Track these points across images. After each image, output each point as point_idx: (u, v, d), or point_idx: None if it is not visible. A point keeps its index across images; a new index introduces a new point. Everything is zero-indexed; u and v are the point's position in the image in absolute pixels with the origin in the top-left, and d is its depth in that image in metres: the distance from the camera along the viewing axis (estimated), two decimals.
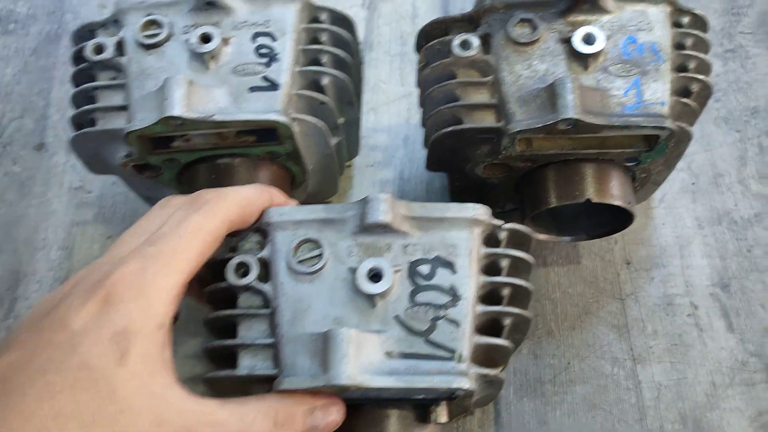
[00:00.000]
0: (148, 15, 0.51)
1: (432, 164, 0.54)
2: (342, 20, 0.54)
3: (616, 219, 0.53)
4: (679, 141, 0.48)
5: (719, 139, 0.64)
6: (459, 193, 0.58)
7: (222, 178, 0.52)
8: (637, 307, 0.57)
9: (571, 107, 0.45)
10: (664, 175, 0.55)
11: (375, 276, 0.39)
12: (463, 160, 0.52)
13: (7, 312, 0.59)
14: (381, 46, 0.72)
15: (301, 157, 0.52)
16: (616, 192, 0.50)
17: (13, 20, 0.76)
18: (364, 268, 0.39)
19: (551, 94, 0.46)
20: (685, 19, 0.51)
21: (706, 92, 0.50)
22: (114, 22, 0.52)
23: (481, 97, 0.49)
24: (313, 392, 0.38)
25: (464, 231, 0.41)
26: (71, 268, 0.61)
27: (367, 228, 0.40)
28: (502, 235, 0.43)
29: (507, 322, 0.41)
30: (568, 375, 0.55)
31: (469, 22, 0.52)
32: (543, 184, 0.51)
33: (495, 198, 0.57)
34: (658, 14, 0.50)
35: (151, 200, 0.60)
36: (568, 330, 0.56)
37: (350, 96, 0.54)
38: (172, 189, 0.56)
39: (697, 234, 0.60)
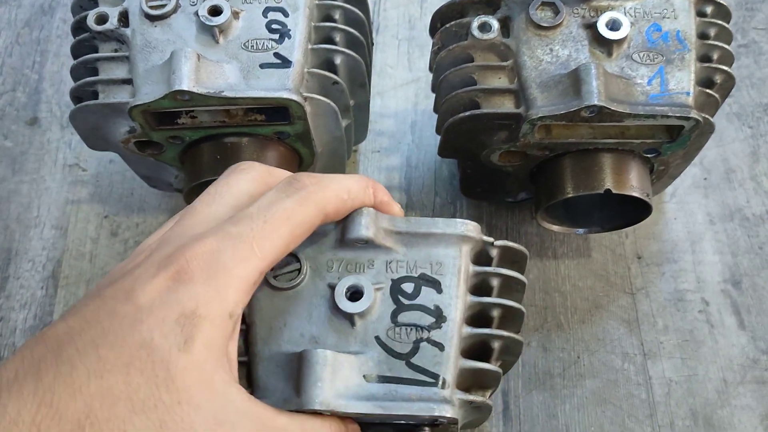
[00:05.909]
0: None
1: (445, 150, 0.52)
2: None
3: (630, 212, 0.52)
4: (702, 133, 0.47)
5: (731, 134, 0.63)
6: (470, 181, 0.56)
7: (228, 158, 0.50)
8: (648, 302, 0.56)
9: (595, 94, 0.44)
10: (681, 169, 0.54)
11: (355, 294, 0.37)
12: (478, 147, 0.50)
13: None
14: (388, 29, 0.70)
15: (311, 138, 0.50)
16: (635, 183, 0.49)
17: None
18: (342, 286, 0.37)
19: (575, 79, 0.45)
20: (709, 9, 0.50)
21: (729, 84, 0.49)
22: None
23: (500, 81, 0.48)
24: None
25: (452, 248, 0.38)
26: (66, 248, 0.58)
27: (348, 243, 0.38)
28: (494, 252, 0.40)
29: (496, 345, 0.39)
30: (577, 369, 0.53)
31: (487, 4, 0.50)
32: (560, 173, 0.50)
33: (508, 187, 0.55)
34: (683, 2, 0.48)
35: (150, 180, 0.58)
36: (578, 323, 0.55)
37: (363, 77, 0.52)
38: (173, 168, 0.54)
39: (708, 230, 0.59)
